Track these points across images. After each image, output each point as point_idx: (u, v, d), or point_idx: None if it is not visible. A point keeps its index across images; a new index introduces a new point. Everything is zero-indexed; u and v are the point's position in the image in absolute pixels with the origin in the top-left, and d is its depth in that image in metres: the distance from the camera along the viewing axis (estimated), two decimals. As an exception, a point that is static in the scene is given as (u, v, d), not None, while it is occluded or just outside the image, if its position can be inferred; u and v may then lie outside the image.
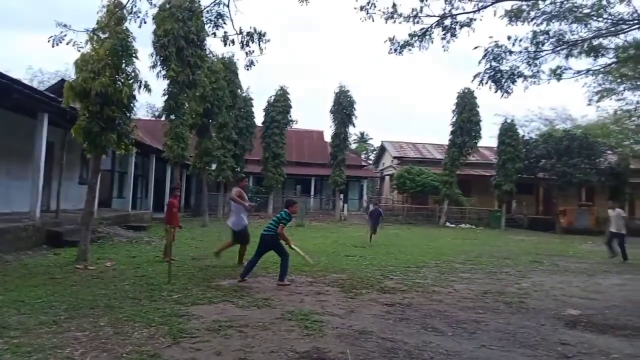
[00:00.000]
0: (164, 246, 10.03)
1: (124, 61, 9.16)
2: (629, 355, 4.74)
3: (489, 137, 41.23)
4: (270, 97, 28.93)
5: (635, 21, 10.30)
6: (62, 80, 13.24)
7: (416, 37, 9.44)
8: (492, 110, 39.78)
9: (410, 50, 9.66)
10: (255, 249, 7.97)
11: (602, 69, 13.08)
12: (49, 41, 7.06)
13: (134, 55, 9.34)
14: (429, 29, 9.36)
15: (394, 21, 9.19)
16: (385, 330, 5.26)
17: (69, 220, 12.74)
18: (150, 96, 68.68)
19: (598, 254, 15.48)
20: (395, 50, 9.64)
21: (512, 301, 7.18)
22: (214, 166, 22.94)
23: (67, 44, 7.56)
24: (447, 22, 9.21)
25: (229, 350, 4.33)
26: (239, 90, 24.94)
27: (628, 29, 10.63)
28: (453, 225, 28.76)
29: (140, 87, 9.46)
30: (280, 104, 28.47)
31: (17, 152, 13.82)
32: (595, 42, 10.81)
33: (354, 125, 29.96)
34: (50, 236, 11.22)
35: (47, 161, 12.63)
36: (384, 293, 7.39)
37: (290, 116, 29.43)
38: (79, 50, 8.79)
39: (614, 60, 12.31)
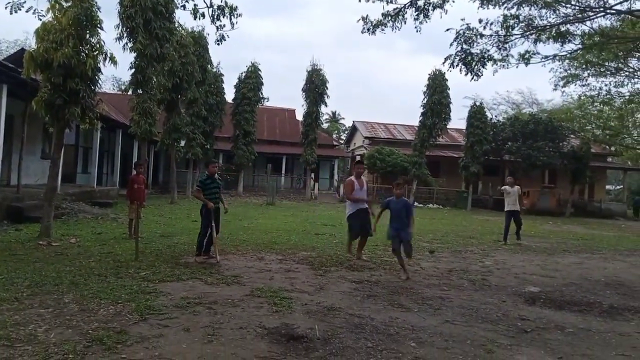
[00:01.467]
0: (128, 223, 9.88)
1: (88, 32, 8.83)
2: (582, 330, 4.99)
3: (458, 119, 42.02)
4: (241, 73, 28.45)
5: (601, 9, 10.55)
6: (22, 50, 12.67)
7: (389, 17, 9.42)
8: (462, 93, 40.53)
9: (383, 30, 9.65)
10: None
11: (568, 55, 13.41)
12: (6, 7, 6.71)
13: (98, 25, 9.00)
14: (402, 9, 9.35)
15: (368, 0, 9.14)
16: (353, 306, 5.36)
17: (30, 195, 12.33)
18: (117, 69, 66.59)
19: (558, 234, 16.11)
20: (369, 29, 9.61)
21: (475, 279, 7.42)
22: (182, 143, 22.54)
23: (26, 11, 7.21)
24: (421, 2, 9.21)
25: (197, 326, 4.33)
26: (209, 66, 24.40)
27: (594, 16, 10.89)
28: (421, 205, 29.29)
29: (105, 59, 9.12)
30: (251, 81, 28.02)
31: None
32: (562, 28, 11.05)
33: (325, 105, 29.87)
34: (11, 212, 10.86)
35: (6, 134, 12.14)
36: (353, 271, 7.50)
37: (261, 93, 29.04)
38: (40, 19, 8.42)
39: (580, 46, 12.63)
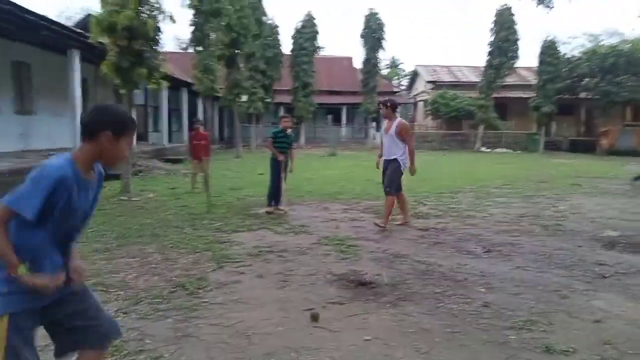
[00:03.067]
0: (191, 178, 10.37)
1: (147, -8, 8.97)
2: (668, 275, 4.71)
3: (528, 57, 39.24)
4: (297, 23, 28.05)
5: None
6: (89, 15, 13.15)
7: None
8: (531, 31, 37.47)
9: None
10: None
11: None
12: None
13: (156, -15, 9.12)
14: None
15: None
16: (420, 253, 5.37)
17: (109, 155, 13.17)
18: (177, 28, 67.64)
19: (641, 176, 14.99)
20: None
21: (548, 224, 7.14)
22: (244, 98, 22.90)
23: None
24: None
25: (270, 273, 4.55)
26: (264, 18, 24.22)
27: None
28: (489, 150, 28.23)
29: (164, 18, 9.32)
30: (307, 30, 27.61)
31: (54, 90, 14.13)
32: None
33: (384, 50, 29.01)
34: (94, 171, 11.68)
35: (82, 97, 12.90)
36: (418, 218, 7.47)
37: (318, 43, 28.61)
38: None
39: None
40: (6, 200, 1.74)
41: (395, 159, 6.72)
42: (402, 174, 6.78)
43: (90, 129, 1.86)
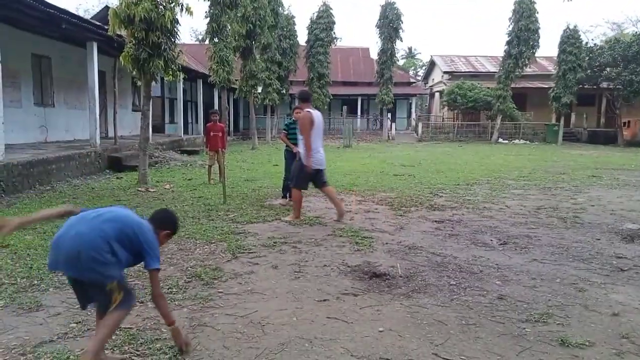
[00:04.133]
0: (217, 169, 10.38)
1: (163, -17, 9.00)
2: (689, 269, 4.61)
3: (548, 47, 38.46)
4: (313, 14, 27.88)
5: None
6: (107, 8, 13.27)
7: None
8: (552, 20, 36.68)
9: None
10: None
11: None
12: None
13: (173, -24, 9.14)
14: None
15: None
16: (435, 245, 5.35)
17: (126, 146, 13.36)
18: (193, 19, 67.83)
19: (663, 168, 14.67)
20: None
21: (566, 216, 7.04)
22: (259, 89, 22.90)
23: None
24: None
25: (284, 264, 4.58)
26: (280, 9, 24.11)
27: None
28: (506, 142, 27.85)
29: (182, 10, 9.35)
30: (323, 21, 27.42)
31: (72, 82, 14.34)
32: None
33: (401, 40, 28.65)
34: (112, 161, 11.88)
35: (100, 90, 13.09)
36: (433, 210, 7.43)
37: (334, 33, 28.40)
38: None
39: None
40: (155, 266, 2.68)
41: (299, 152, 6.65)
42: (306, 168, 6.46)
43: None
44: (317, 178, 6.64)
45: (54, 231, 5.51)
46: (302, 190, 6.70)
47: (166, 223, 2.89)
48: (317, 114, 6.71)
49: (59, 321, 3.24)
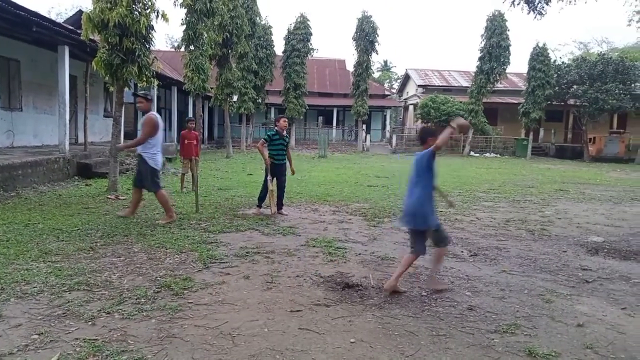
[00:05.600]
0: (191, 177, 10.25)
1: (139, -11, 8.91)
2: (650, 281, 4.78)
3: (518, 64, 39.59)
4: (290, 24, 28.02)
5: None
6: (80, 12, 13.05)
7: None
8: (523, 36, 37.92)
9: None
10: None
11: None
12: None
13: (149, -18, 9.05)
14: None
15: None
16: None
17: (96, 152, 13.06)
18: (169, 26, 67.27)
19: (627, 182, 15.22)
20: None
21: (534, 229, 7.22)
22: (235, 98, 22.80)
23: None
24: None
25: (256, 274, 4.53)
26: (257, 18, 24.16)
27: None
28: (477, 155, 28.47)
29: (157, 16, 9.26)
30: (300, 32, 27.59)
31: (42, 86, 13.98)
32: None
33: (377, 53, 29.05)
34: (81, 168, 11.57)
35: (71, 94, 12.78)
36: (406, 221, 7.48)
37: (311, 44, 28.59)
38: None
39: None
40: None
41: (140, 155, 6.61)
42: (152, 169, 6.56)
43: None
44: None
45: (18, 239, 5.34)
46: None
47: None
48: (160, 117, 6.84)
49: (20, 332, 3.12)
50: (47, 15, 12.85)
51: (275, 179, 7.70)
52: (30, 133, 13.61)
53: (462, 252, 5.72)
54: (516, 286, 4.44)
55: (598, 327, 3.55)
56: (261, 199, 7.74)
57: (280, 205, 7.78)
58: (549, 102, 27.92)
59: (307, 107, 29.13)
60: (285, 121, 7.77)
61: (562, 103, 29.08)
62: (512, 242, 6.34)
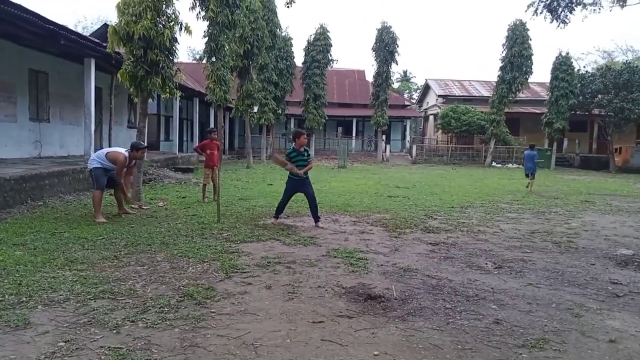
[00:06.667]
0: (212, 187, 10.35)
1: (164, 3, 9.09)
2: (684, 296, 4.60)
3: (540, 73, 39.11)
4: (310, 36, 28.26)
5: None
6: (106, 25, 13.40)
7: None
8: (545, 45, 37.47)
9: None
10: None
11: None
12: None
13: (173, -4, 9.24)
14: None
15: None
16: (430, 268, 5.31)
17: (121, 163, 13.27)
18: (191, 38, 68.46)
19: (655, 194, 14.79)
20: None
21: (560, 241, 7.05)
22: (255, 109, 23.03)
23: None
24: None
25: (278, 284, 4.52)
26: (278, 30, 24.43)
27: None
28: (499, 166, 28.07)
29: (181, 29, 9.43)
30: (320, 43, 27.79)
31: (68, 98, 14.34)
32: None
33: (396, 63, 29.08)
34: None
35: (96, 106, 13.08)
36: (428, 232, 7.41)
37: (330, 55, 28.77)
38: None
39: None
40: None
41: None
42: (100, 174, 7.60)
43: None
44: (112, 180, 7.84)
45: (45, 247, 5.44)
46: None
47: None
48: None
49: (47, 340, 3.16)
50: (74, 29, 13.22)
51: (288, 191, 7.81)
52: (57, 144, 13.95)
53: (486, 264, 5.61)
54: (543, 299, 4.33)
55: (631, 343, 3.43)
56: (279, 210, 7.77)
57: (316, 217, 7.72)
58: (573, 112, 27.44)
59: (327, 118, 29.23)
60: (304, 138, 7.77)
61: (587, 113, 28.55)
62: (538, 254, 6.20)
